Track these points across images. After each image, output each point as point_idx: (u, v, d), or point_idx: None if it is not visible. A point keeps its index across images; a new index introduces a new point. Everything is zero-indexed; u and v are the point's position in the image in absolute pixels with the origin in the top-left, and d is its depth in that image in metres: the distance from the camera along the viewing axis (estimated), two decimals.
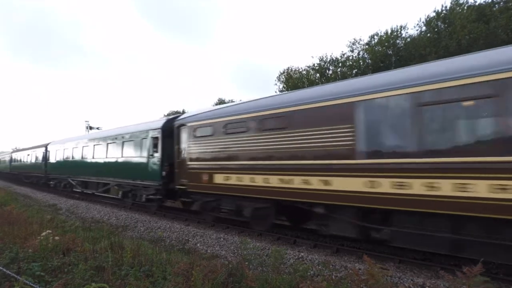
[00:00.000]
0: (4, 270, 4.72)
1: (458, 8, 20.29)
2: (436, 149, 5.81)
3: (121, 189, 15.64)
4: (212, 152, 10.17)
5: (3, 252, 5.85)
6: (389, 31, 23.29)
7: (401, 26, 23.33)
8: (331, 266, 6.54)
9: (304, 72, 28.25)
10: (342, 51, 26.34)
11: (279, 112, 8.36)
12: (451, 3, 21.01)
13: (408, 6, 63.08)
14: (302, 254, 7.38)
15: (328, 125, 7.27)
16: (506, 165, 5.01)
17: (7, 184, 32.50)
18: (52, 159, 24.32)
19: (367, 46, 24.19)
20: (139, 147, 13.91)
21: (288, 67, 30.80)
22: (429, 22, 21.69)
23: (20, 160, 33.45)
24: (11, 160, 37.80)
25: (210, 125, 10.33)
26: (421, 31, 22.44)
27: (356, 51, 25.36)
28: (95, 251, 5.97)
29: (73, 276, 4.79)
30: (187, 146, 11.20)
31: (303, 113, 7.82)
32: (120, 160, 15.39)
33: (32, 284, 4.13)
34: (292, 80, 28.00)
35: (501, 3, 19.21)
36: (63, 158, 22.25)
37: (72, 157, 20.77)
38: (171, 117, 13.48)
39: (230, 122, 9.65)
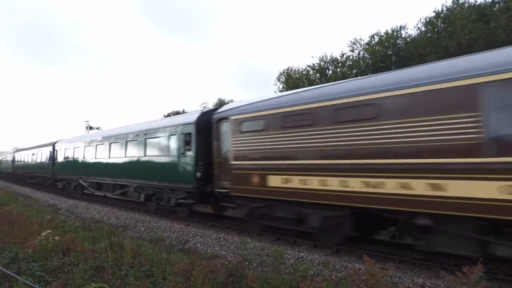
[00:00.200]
0: (4, 270, 4.72)
1: (458, 8, 20.30)
2: None
3: (142, 191, 13.97)
4: (264, 149, 8.74)
5: (3, 252, 5.85)
6: (390, 31, 23.32)
7: (401, 26, 23.37)
8: (331, 266, 6.54)
9: (304, 72, 28.26)
10: (342, 51, 26.33)
11: (364, 100, 6.78)
12: (452, 2, 21.03)
13: (408, 6, 63.10)
14: (302, 254, 7.38)
15: (438, 114, 5.77)
16: None
17: (8, 184, 32.45)
18: (60, 159, 22.65)
19: (367, 46, 24.21)
20: (167, 145, 12.30)
21: (288, 67, 30.83)
22: (429, 22, 21.69)
23: (24, 160, 31.94)
24: (13, 160, 36.31)
25: (262, 117, 8.83)
26: (421, 31, 22.46)
27: (356, 51, 25.39)
28: (95, 251, 5.97)
29: (73, 276, 4.79)
30: (231, 143, 9.69)
31: (399, 100, 6.31)
32: (142, 159, 13.78)
33: (32, 284, 4.13)
34: (292, 80, 28.01)
35: (501, 3, 19.21)
36: (73, 158, 20.59)
37: (84, 156, 19.10)
38: (206, 109, 11.94)
39: (291, 114, 8.14)
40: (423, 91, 6.03)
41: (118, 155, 15.57)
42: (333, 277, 5.82)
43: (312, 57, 53.62)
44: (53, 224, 9.81)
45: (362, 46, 24.97)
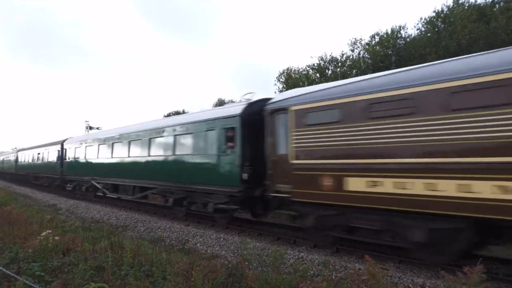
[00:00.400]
0: (4, 270, 4.72)
1: (459, 8, 20.31)
2: None
3: (171, 195, 12.36)
4: (340, 145, 7.22)
5: (3, 252, 5.85)
6: (390, 32, 23.33)
7: (401, 26, 23.38)
8: (331, 266, 6.54)
9: (304, 72, 28.26)
10: (342, 51, 26.28)
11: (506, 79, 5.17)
12: (452, 2, 21.04)
13: (408, 6, 63.12)
14: (302, 254, 7.38)
15: None
16: None
17: (8, 184, 32.40)
18: (70, 158, 21.02)
19: (367, 46, 24.22)
20: (203, 142, 10.76)
21: (288, 67, 30.85)
22: (429, 22, 21.70)
23: (29, 160, 30.30)
24: (17, 159, 34.58)
25: (336, 107, 7.32)
26: (421, 31, 22.47)
27: (356, 51, 25.41)
28: (95, 251, 5.97)
29: (73, 276, 4.80)
30: (291, 138, 8.16)
31: None
32: (170, 159, 12.20)
33: (32, 284, 4.13)
34: (292, 80, 28.02)
35: (502, 3, 19.22)
36: (85, 157, 18.95)
37: (98, 156, 17.49)
38: (253, 100, 10.43)
39: (380, 101, 6.63)
40: None
41: (139, 154, 14.06)
42: (333, 277, 5.82)
43: (311, 57, 53.52)
44: (53, 224, 9.80)
45: (362, 46, 24.99)
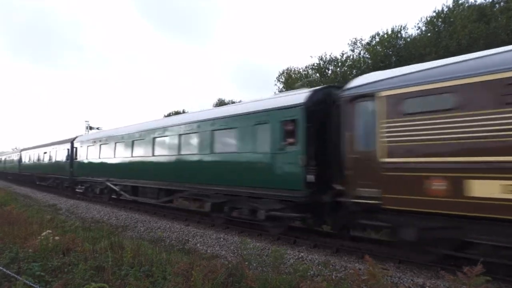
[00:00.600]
0: (4, 270, 4.72)
1: (459, 8, 20.32)
2: None
3: (207, 199, 10.75)
4: (458, 139, 5.72)
5: (3, 252, 5.86)
6: (390, 32, 23.34)
7: (401, 27, 23.40)
8: (331, 266, 6.54)
9: (304, 72, 28.28)
10: (343, 51, 26.29)
11: None
12: (452, 2, 21.06)
13: (408, 6, 63.14)
14: (302, 254, 7.38)
15: None
16: None
17: (8, 184, 32.36)
18: (81, 158, 19.60)
19: (368, 46, 24.24)
20: (250, 139, 9.31)
21: (288, 67, 30.88)
22: (429, 21, 21.72)
23: (34, 159, 28.75)
24: (20, 159, 32.89)
25: (450, 90, 5.85)
26: (421, 31, 22.49)
27: (356, 51, 25.43)
28: (95, 251, 5.98)
29: (73, 276, 4.80)
30: (382, 130, 6.69)
31: None
32: (207, 158, 10.69)
33: (32, 284, 4.14)
34: (292, 80, 28.03)
35: (502, 3, 19.23)
36: (99, 156, 17.51)
37: (115, 155, 16.02)
38: (318, 88, 9.02)
39: None
40: None
41: (166, 152, 12.60)
42: (333, 277, 5.83)
43: (311, 57, 53.55)
44: (53, 224, 9.81)
45: (363, 46, 25.01)
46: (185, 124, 11.94)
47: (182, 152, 11.80)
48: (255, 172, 9.06)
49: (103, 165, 17.15)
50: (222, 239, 8.99)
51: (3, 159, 44.46)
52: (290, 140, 8.23)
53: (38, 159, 27.59)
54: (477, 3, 20.25)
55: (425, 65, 6.75)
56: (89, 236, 8.06)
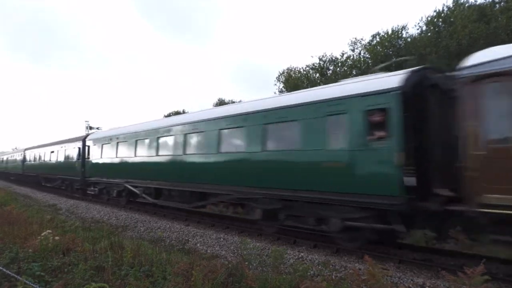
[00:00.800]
0: (4, 270, 4.72)
1: (459, 8, 20.33)
2: None
3: (257, 204, 9.12)
4: None
5: (3, 252, 5.86)
6: (390, 32, 23.37)
7: (402, 27, 23.42)
8: (331, 266, 6.54)
9: (304, 72, 28.29)
10: (343, 51, 26.29)
11: None
12: (453, 2, 21.07)
13: (409, 6, 63.15)
14: (302, 254, 7.38)
15: None
16: None
17: (8, 184, 32.33)
18: (94, 157, 18.02)
19: (368, 46, 24.27)
20: (320, 132, 7.69)
21: (288, 67, 30.90)
22: (430, 21, 21.73)
23: (39, 159, 26.85)
24: (24, 159, 31.15)
25: None
26: (422, 31, 22.51)
27: (357, 51, 25.46)
28: (95, 251, 5.97)
29: (73, 276, 4.80)
30: None
31: None
32: (256, 157, 9.04)
33: (32, 284, 4.13)
34: (292, 80, 28.04)
35: (502, 3, 19.24)
36: (116, 155, 15.89)
37: (135, 154, 14.40)
38: (416, 68, 7.19)
39: None
40: None
41: (201, 151, 11.02)
42: (333, 277, 5.83)
43: (312, 56, 53.67)
44: (53, 224, 9.81)
45: (363, 46, 25.04)
46: (227, 117, 10.24)
47: (223, 150, 10.21)
48: (328, 174, 7.49)
49: (121, 165, 15.51)
50: (222, 239, 8.99)
51: (5, 158, 43.19)
52: (379, 133, 6.67)
53: (44, 159, 25.78)
54: (477, 3, 20.26)
55: None
56: (89, 236, 8.06)
